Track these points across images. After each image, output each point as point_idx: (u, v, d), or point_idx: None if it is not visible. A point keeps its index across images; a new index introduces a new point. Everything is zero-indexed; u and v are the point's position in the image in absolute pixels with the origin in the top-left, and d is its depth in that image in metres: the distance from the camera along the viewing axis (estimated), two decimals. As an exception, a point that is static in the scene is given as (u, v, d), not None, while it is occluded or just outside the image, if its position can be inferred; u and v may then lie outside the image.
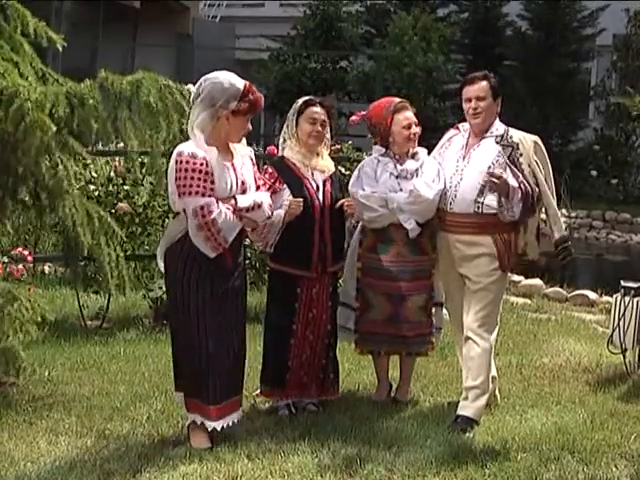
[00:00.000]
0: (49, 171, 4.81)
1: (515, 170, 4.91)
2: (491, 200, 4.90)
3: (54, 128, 4.43)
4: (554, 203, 5.07)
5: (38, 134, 4.39)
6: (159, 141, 4.72)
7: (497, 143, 4.99)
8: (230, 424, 4.58)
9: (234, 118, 4.42)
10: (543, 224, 5.14)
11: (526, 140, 5.01)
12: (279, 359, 5.00)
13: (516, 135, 5.02)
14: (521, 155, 4.95)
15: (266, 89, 20.90)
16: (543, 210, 5.09)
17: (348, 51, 19.60)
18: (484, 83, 5.04)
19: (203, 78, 4.44)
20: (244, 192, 4.48)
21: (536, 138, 5.07)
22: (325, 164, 5.08)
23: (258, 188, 4.60)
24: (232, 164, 4.47)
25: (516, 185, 4.86)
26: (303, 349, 5.01)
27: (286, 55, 20.25)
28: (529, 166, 4.94)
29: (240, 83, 4.42)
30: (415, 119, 5.19)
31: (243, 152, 4.59)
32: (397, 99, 5.29)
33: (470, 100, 5.03)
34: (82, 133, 4.60)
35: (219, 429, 4.53)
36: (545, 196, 5.00)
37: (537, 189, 4.95)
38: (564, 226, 5.17)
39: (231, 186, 4.42)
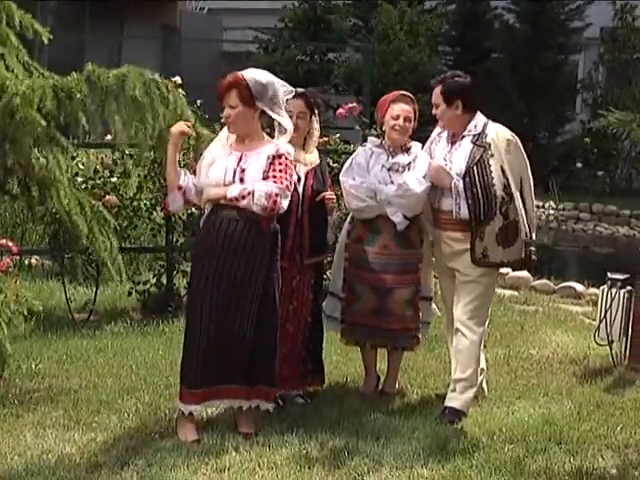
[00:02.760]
0: (38, 162, 4.80)
1: (480, 175, 4.89)
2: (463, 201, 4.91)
3: (44, 123, 4.42)
4: (520, 208, 4.94)
5: (29, 130, 4.38)
6: (146, 135, 4.71)
7: (473, 143, 4.97)
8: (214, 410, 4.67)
9: None
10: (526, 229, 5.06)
11: (499, 138, 4.94)
12: None
13: (491, 133, 4.95)
14: (492, 156, 4.90)
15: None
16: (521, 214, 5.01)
17: (336, 43, 19.56)
18: (437, 89, 5.05)
19: None
20: (241, 180, 4.52)
21: (510, 135, 5.00)
22: (309, 157, 5.07)
23: (266, 179, 4.52)
24: (241, 154, 4.57)
25: (459, 185, 4.87)
26: (284, 342, 4.98)
27: (273, 47, 20.19)
28: (501, 167, 4.90)
29: None
30: (410, 114, 5.17)
31: (268, 145, 4.61)
32: (403, 92, 5.28)
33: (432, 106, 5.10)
34: (69, 126, 4.59)
35: (187, 413, 4.55)
36: (515, 199, 4.92)
37: (500, 194, 4.88)
38: (526, 230, 5.00)
39: (226, 172, 4.53)
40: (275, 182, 4.49)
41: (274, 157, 4.57)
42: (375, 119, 5.40)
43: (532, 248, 5.08)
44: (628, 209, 16.13)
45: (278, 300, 4.67)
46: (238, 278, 4.52)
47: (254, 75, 4.58)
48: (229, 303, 4.52)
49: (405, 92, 5.28)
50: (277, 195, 4.46)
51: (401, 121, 5.14)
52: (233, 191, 4.48)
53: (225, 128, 4.71)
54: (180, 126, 4.60)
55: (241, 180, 4.52)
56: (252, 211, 4.46)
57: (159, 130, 4.71)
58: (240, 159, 4.56)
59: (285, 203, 4.53)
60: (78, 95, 4.50)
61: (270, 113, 4.62)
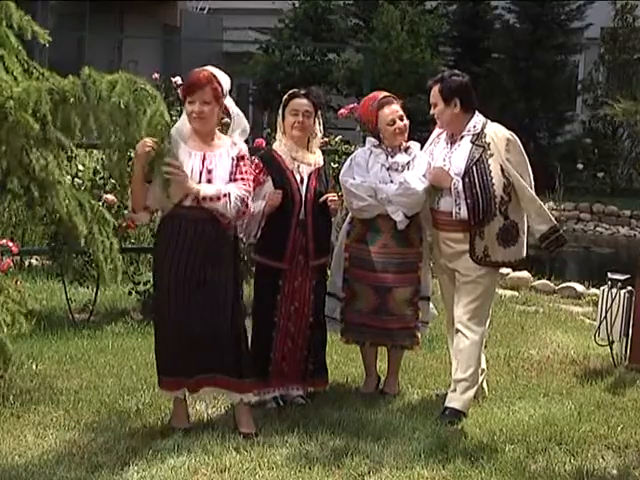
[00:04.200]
0: (39, 163, 4.78)
1: (480, 175, 4.88)
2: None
3: (37, 127, 4.40)
4: (533, 197, 4.95)
5: (21, 133, 4.37)
6: (125, 141, 4.66)
7: (472, 143, 4.97)
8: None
9: (185, 106, 4.65)
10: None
11: (499, 138, 4.93)
12: (262, 352, 4.99)
13: (490, 133, 4.95)
14: (491, 156, 4.90)
15: (253, 82, 20.85)
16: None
17: (337, 43, 19.56)
18: (434, 88, 5.05)
19: None
20: (209, 181, 4.54)
21: (509, 134, 4.99)
22: (313, 157, 5.08)
23: (235, 181, 4.58)
24: (203, 154, 4.57)
25: (459, 186, 4.87)
26: (285, 341, 5.03)
27: (274, 47, 20.20)
28: (501, 166, 4.90)
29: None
30: (401, 112, 5.18)
31: (225, 145, 4.64)
32: (383, 93, 5.28)
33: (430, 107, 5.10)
34: (66, 128, 4.58)
35: (172, 398, 4.69)
36: (521, 193, 4.92)
37: (499, 194, 4.88)
38: (551, 217, 5.05)
39: (192, 173, 4.50)
40: (244, 185, 4.59)
41: (239, 158, 4.64)
42: (366, 126, 5.31)
43: (553, 236, 5.04)
44: (628, 209, 16.14)
45: (242, 294, 4.75)
46: (208, 277, 4.55)
47: (218, 72, 4.65)
48: (199, 301, 4.54)
49: (384, 93, 5.27)
50: (248, 199, 4.58)
51: (399, 123, 5.15)
52: (207, 190, 4.49)
53: (173, 129, 4.60)
54: (145, 146, 4.37)
55: (208, 181, 4.53)
56: (216, 212, 4.50)
57: (136, 138, 4.61)
58: (204, 159, 4.57)
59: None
60: (72, 99, 4.49)
61: (233, 109, 4.71)
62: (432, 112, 5.07)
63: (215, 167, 4.57)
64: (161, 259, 4.63)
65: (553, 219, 5.08)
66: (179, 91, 4.72)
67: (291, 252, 4.94)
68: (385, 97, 5.22)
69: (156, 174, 4.39)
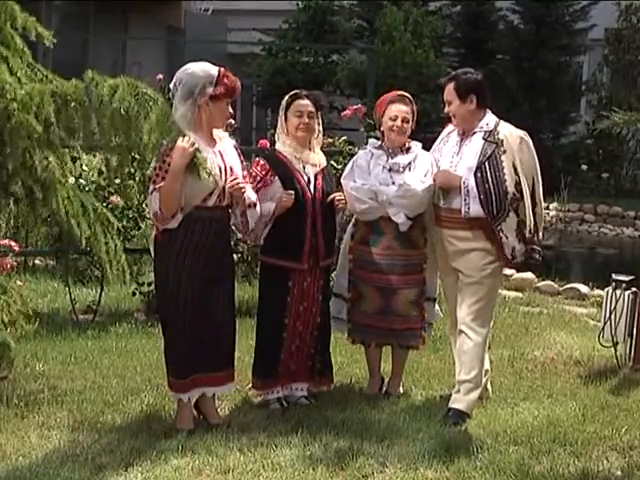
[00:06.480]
0: (41, 164, 4.79)
1: (492, 171, 4.88)
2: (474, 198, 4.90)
3: (40, 129, 4.41)
4: (530, 204, 4.92)
5: (24, 135, 4.38)
6: (128, 146, 4.66)
7: (484, 139, 4.97)
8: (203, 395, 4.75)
9: (213, 104, 4.60)
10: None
11: (512, 136, 4.94)
12: (272, 352, 5.01)
13: (504, 130, 4.96)
14: (504, 152, 4.89)
15: (257, 83, 20.86)
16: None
17: (341, 45, 19.57)
18: (449, 86, 5.04)
19: (177, 72, 4.63)
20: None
21: (523, 133, 5.00)
22: (317, 158, 5.09)
23: (244, 177, 4.72)
24: (219, 151, 4.63)
25: (469, 183, 4.86)
26: (293, 340, 5.04)
27: (278, 48, 20.20)
28: (513, 164, 4.90)
29: (214, 69, 4.61)
30: (407, 114, 5.17)
31: (226, 140, 4.74)
32: (401, 92, 5.29)
33: (444, 104, 5.08)
34: (69, 131, 4.59)
35: (185, 400, 4.66)
36: (525, 197, 4.90)
37: (511, 191, 4.87)
38: (529, 230, 4.96)
39: (221, 171, 4.56)
40: (251, 183, 4.81)
41: (237, 152, 4.78)
42: (374, 119, 5.40)
43: (537, 247, 5.06)
44: (633, 210, 16.13)
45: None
46: (221, 275, 4.64)
47: None
48: (211, 296, 4.60)
49: (403, 92, 5.29)
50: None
51: (399, 122, 5.15)
52: (253, 197, 4.70)
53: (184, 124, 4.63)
54: (188, 149, 4.35)
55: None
56: (226, 210, 4.64)
57: (141, 144, 4.59)
58: (222, 156, 4.62)
59: None
60: (74, 104, 4.50)
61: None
62: (447, 110, 5.06)
63: (233, 164, 4.65)
64: (178, 260, 4.56)
65: (537, 234, 5.02)
66: (215, 90, 4.55)
67: (308, 253, 4.95)
68: (400, 95, 5.23)
69: (201, 171, 4.40)
